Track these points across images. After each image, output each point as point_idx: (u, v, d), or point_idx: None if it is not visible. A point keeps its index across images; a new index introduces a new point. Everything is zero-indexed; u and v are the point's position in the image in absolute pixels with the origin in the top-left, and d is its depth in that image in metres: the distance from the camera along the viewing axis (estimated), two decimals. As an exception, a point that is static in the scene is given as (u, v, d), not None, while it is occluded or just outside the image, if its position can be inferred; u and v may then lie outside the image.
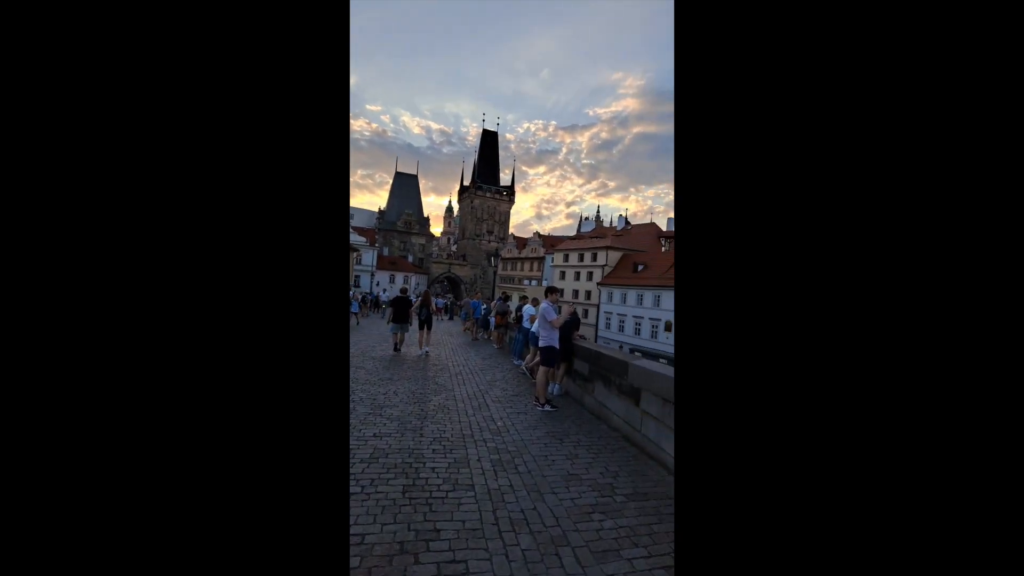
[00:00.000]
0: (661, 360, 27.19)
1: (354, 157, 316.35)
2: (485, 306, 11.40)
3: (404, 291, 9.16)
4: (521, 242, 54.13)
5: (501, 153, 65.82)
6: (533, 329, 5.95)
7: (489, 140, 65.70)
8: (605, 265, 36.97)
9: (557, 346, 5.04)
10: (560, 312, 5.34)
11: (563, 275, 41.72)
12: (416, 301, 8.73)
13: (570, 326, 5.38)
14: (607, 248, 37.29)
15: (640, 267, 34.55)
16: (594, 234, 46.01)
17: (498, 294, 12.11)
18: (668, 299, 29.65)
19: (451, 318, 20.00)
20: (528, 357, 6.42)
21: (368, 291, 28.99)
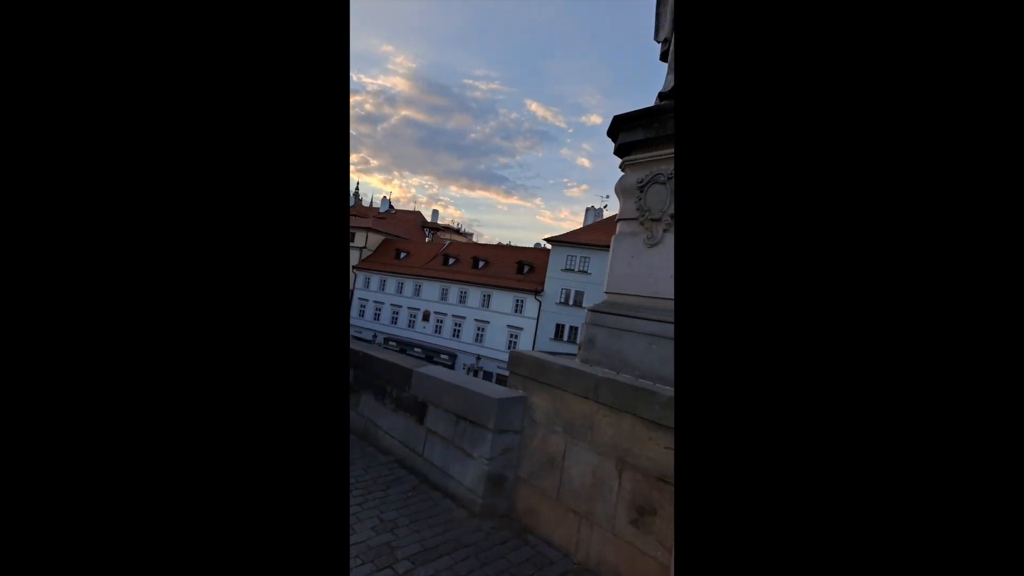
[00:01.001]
0: (416, 350, 27.83)
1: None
2: None
3: None
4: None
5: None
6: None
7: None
8: (364, 248, 34.58)
9: None
10: None
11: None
12: None
13: None
14: (368, 230, 34.96)
15: (403, 254, 34.09)
16: (353, 211, 42.38)
17: None
18: (429, 289, 30.44)
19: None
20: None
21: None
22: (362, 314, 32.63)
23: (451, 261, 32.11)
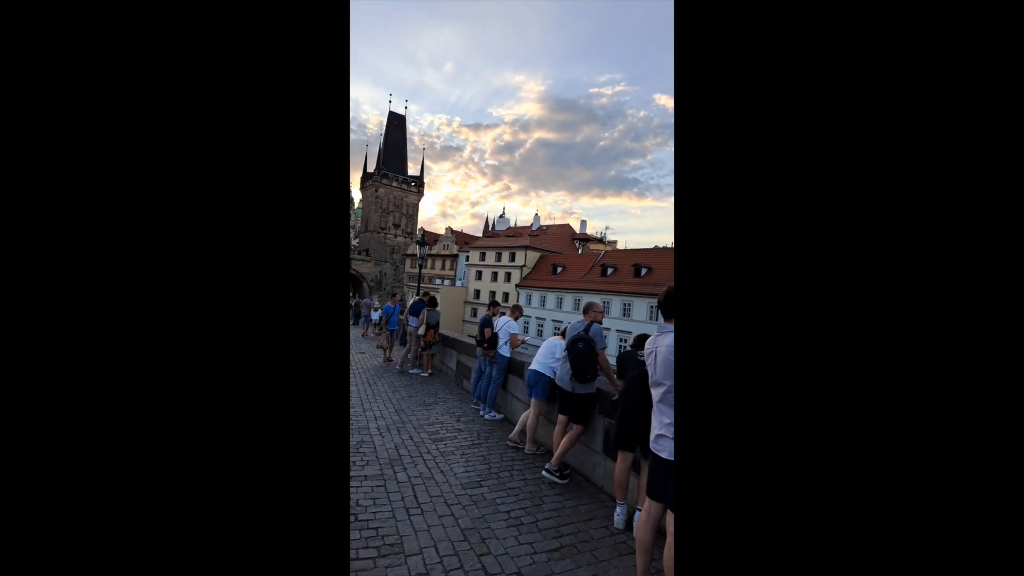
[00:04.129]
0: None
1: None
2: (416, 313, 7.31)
3: None
4: (432, 237, 50.44)
5: (406, 145, 60.81)
6: (536, 366, 3.57)
7: (396, 123, 60.36)
8: (524, 266, 35.53)
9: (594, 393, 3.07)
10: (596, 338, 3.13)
11: (479, 275, 39.38)
12: None
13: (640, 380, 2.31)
14: (526, 248, 35.88)
15: (559, 269, 33.81)
16: (509, 233, 44.48)
17: (411, 295, 8.73)
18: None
19: (355, 323, 16.16)
20: (524, 418, 3.77)
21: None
22: (526, 329, 33.31)
23: (609, 271, 30.29)
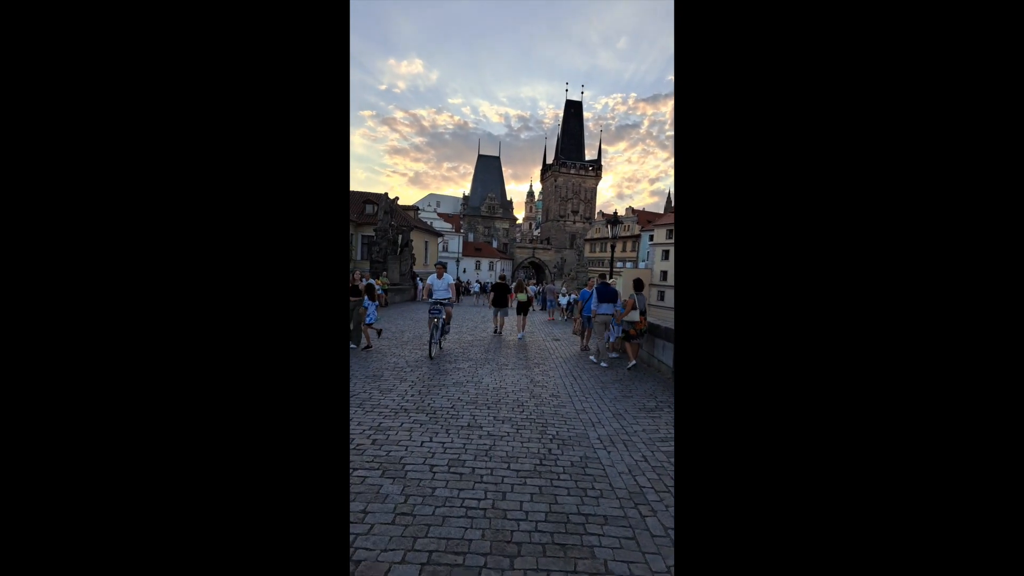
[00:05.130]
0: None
1: (439, 151, 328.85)
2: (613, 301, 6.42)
3: (503, 278, 9.79)
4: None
5: (583, 131, 59.83)
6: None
7: (573, 111, 60.29)
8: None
9: None
10: None
11: (665, 255, 35.82)
12: (513, 286, 9.46)
13: None
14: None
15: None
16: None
17: (595, 279, 7.67)
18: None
19: (542, 308, 16.49)
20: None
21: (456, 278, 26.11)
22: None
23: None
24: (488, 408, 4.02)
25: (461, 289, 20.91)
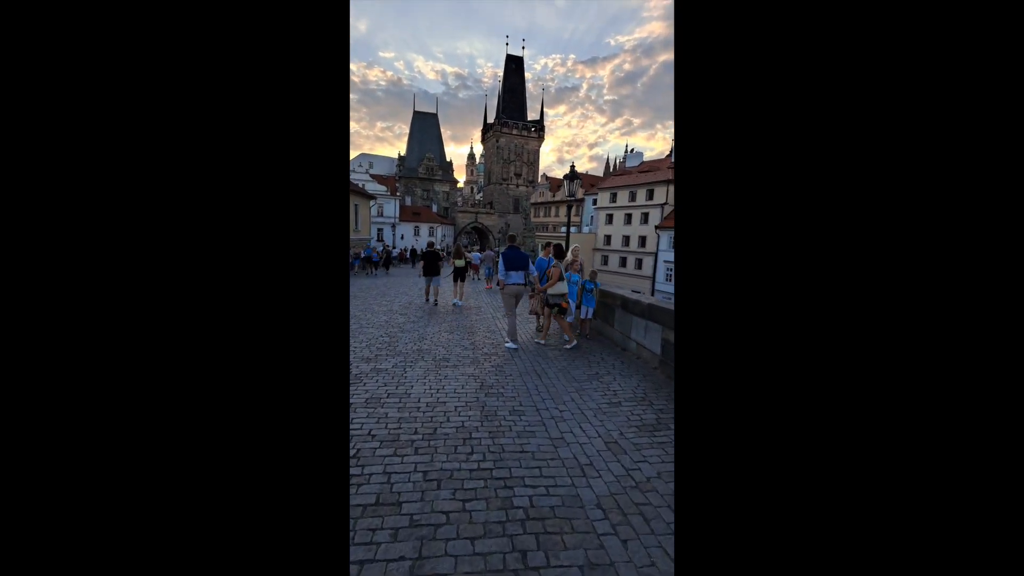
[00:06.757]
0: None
1: (372, 109, 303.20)
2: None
3: (431, 244, 9.38)
4: (555, 183, 47.50)
5: (524, 89, 56.77)
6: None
7: (514, 66, 56.76)
8: (665, 203, 30.44)
9: None
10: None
11: (609, 219, 35.58)
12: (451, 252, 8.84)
13: None
14: (667, 183, 30.44)
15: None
16: (643, 168, 38.47)
17: (550, 247, 6.14)
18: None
19: (489, 276, 15.05)
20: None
21: (372, 245, 22.82)
22: (669, 278, 29.05)
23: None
24: (417, 454, 2.56)
25: (381, 258, 17.55)
